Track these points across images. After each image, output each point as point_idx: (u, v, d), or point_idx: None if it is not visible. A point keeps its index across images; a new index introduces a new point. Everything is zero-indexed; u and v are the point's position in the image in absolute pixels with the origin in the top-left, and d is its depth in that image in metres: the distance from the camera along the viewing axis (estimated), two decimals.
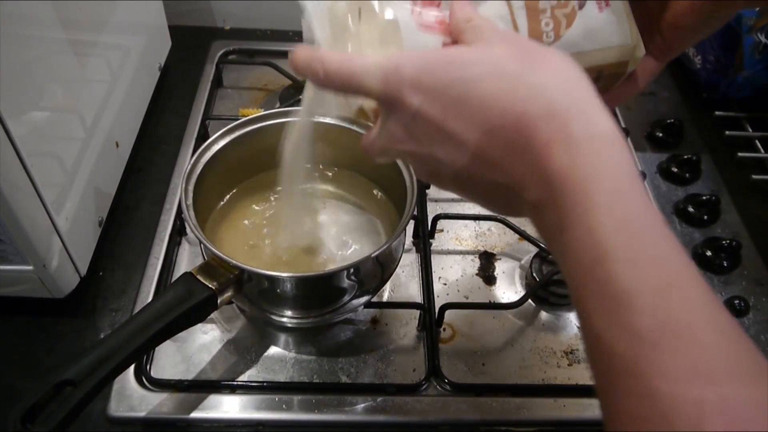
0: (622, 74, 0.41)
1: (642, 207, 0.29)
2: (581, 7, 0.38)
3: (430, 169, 0.37)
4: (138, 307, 0.61)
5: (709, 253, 0.70)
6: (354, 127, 0.61)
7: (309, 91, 0.44)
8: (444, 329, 0.62)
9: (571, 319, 0.64)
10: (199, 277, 0.50)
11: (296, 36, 0.97)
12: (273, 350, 0.60)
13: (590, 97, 0.31)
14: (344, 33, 0.39)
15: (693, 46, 0.90)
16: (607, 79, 0.41)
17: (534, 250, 0.68)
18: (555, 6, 0.38)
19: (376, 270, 0.57)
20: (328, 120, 0.63)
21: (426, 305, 0.62)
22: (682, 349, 0.26)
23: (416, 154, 0.36)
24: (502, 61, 0.32)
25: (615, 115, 0.85)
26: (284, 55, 0.91)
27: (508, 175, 0.32)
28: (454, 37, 0.36)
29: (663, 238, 0.28)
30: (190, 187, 0.56)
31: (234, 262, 0.50)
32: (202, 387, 0.57)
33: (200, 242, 0.53)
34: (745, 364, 0.26)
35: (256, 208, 0.65)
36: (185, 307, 0.48)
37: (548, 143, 0.30)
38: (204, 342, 0.60)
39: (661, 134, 0.84)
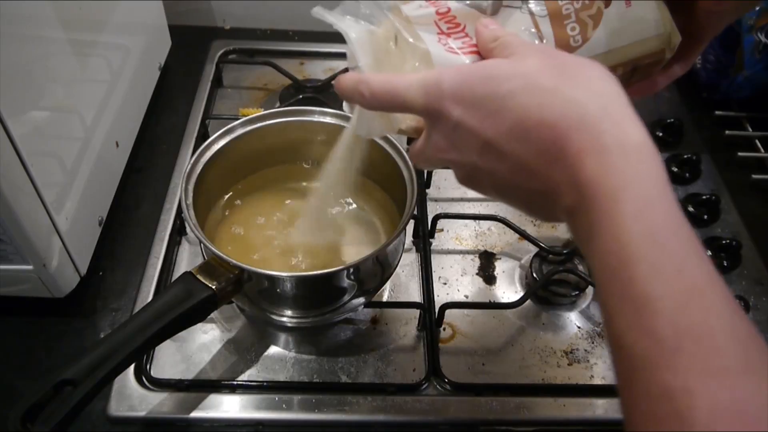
0: (661, 62, 0.41)
1: (669, 215, 0.30)
2: (608, 5, 0.38)
3: (471, 177, 0.38)
4: (138, 307, 0.61)
5: (709, 253, 0.70)
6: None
7: (355, 115, 0.46)
8: (444, 329, 0.62)
9: (572, 318, 0.64)
10: (199, 276, 0.50)
11: (296, 35, 0.97)
12: (273, 350, 0.60)
13: (623, 108, 0.32)
14: (385, 57, 0.40)
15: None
16: (645, 70, 0.41)
17: (534, 249, 0.68)
18: (579, 9, 0.38)
19: (376, 270, 0.57)
20: (328, 120, 0.63)
21: (426, 305, 0.62)
22: (700, 354, 0.27)
23: (458, 162, 0.38)
24: (537, 75, 0.33)
25: None
26: (284, 54, 0.92)
27: (544, 183, 0.33)
28: (484, 55, 0.38)
29: (688, 246, 0.29)
30: (190, 187, 0.56)
31: (234, 261, 0.50)
32: (202, 387, 0.57)
33: (200, 242, 0.53)
34: (761, 371, 0.27)
35: (256, 207, 0.65)
36: (185, 307, 0.48)
37: (580, 153, 0.31)
38: (204, 342, 0.60)
39: (661, 134, 0.84)
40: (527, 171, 0.34)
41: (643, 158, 0.31)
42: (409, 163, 0.58)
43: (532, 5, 0.39)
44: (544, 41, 0.38)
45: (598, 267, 0.31)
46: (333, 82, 0.40)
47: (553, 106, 0.32)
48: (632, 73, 0.41)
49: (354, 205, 0.65)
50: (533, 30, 0.38)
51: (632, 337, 0.28)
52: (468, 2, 0.40)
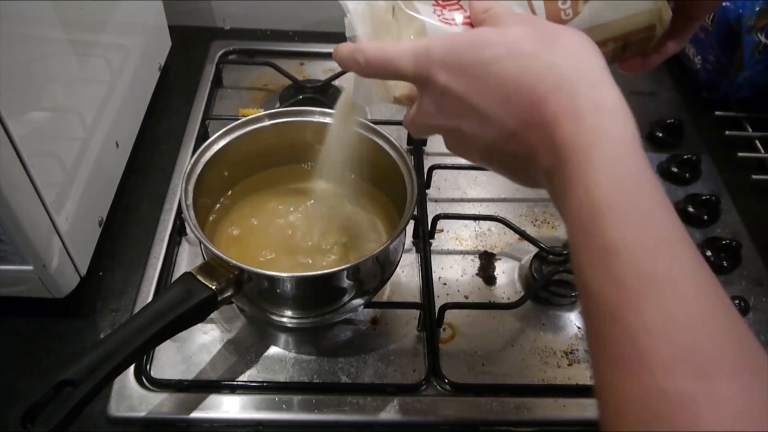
0: (652, 38, 0.41)
1: (639, 170, 0.31)
2: None
3: (458, 142, 0.40)
4: (138, 307, 0.61)
5: (709, 253, 0.70)
6: (355, 128, 0.62)
7: (351, 83, 0.47)
8: (444, 329, 0.62)
9: (572, 319, 0.64)
10: (199, 277, 0.50)
11: (296, 36, 0.97)
12: (273, 350, 0.60)
13: (599, 72, 0.34)
14: (383, 29, 0.41)
15: (695, 40, 0.90)
16: (637, 45, 0.42)
17: (534, 250, 0.68)
18: None
19: (376, 270, 0.57)
20: (328, 120, 0.63)
21: (426, 305, 0.62)
22: (662, 299, 0.28)
23: (446, 128, 0.39)
24: (519, 42, 0.35)
25: None
26: (284, 55, 0.92)
27: (525, 146, 0.35)
28: (475, 26, 0.39)
29: (655, 198, 0.31)
30: (190, 187, 0.56)
31: (234, 262, 0.50)
32: (202, 387, 0.57)
33: (200, 242, 0.53)
34: (719, 316, 0.28)
35: (256, 207, 0.65)
36: (185, 307, 0.48)
37: (556, 115, 0.32)
38: (204, 342, 0.60)
39: (661, 134, 0.84)
40: (509, 135, 0.35)
41: (616, 118, 0.32)
42: (409, 163, 0.58)
43: None
44: (536, 14, 0.39)
45: (570, 223, 0.32)
46: (332, 50, 0.41)
47: (532, 71, 0.34)
48: (624, 48, 0.41)
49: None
50: (525, 2, 0.39)
51: (599, 283, 0.30)
52: None
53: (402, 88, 0.42)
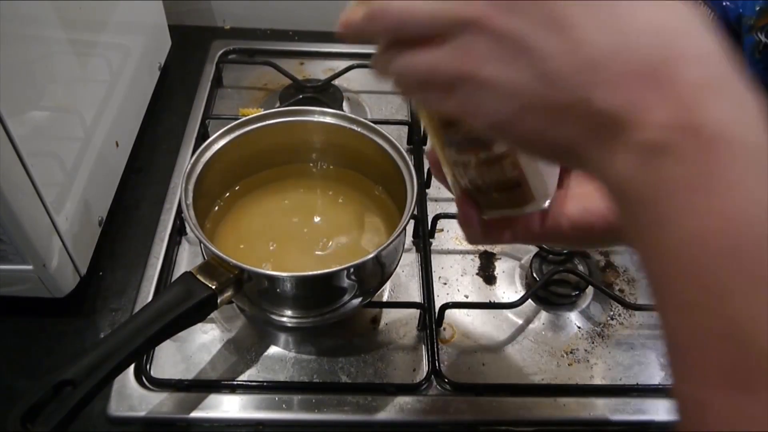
0: (517, 209, 0.40)
1: None
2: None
3: (499, 57, 0.27)
4: (138, 307, 0.61)
5: None
6: (354, 127, 0.62)
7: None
8: (444, 329, 0.62)
9: (572, 318, 0.64)
10: (199, 276, 0.50)
11: (296, 35, 0.97)
12: (273, 350, 0.60)
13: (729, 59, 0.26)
14: None
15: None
16: (502, 197, 0.40)
17: (534, 249, 0.68)
18: None
19: (376, 270, 0.56)
20: (328, 120, 0.63)
21: (426, 305, 0.62)
22: None
23: (490, 69, 0.27)
24: None
25: None
26: (284, 54, 0.92)
27: (616, 102, 0.25)
28: None
29: None
30: (190, 187, 0.56)
31: (234, 261, 0.50)
32: (202, 387, 0.57)
33: (200, 242, 0.53)
34: None
35: (256, 207, 0.65)
36: (185, 307, 0.48)
37: (699, 86, 0.24)
38: (204, 342, 0.60)
39: None
40: (595, 73, 0.25)
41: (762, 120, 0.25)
42: (410, 163, 0.58)
43: None
44: None
45: (692, 229, 0.24)
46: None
47: (670, 21, 0.25)
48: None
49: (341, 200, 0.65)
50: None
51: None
52: None
53: None
